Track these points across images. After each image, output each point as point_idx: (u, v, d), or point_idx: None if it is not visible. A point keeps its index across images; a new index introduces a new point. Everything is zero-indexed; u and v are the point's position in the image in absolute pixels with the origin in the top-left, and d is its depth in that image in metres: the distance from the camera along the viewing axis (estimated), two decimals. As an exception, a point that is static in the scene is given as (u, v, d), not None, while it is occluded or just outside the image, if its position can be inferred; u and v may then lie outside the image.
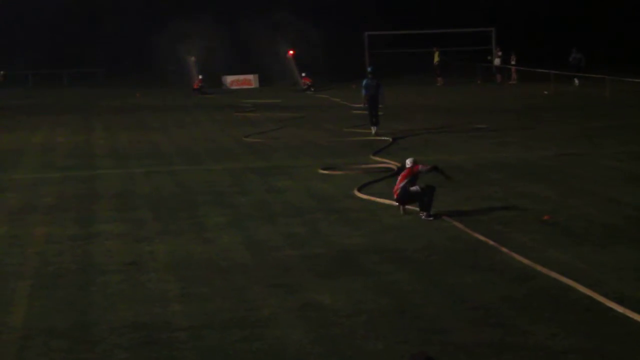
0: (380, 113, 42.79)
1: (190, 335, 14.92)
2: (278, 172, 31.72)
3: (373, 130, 41.87)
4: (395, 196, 23.75)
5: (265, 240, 21.59)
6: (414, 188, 23.13)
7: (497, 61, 76.43)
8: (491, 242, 20.31)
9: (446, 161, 32.09)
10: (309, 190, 28.20)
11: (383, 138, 39.83)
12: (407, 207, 23.59)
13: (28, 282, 18.26)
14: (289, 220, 23.70)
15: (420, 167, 23.58)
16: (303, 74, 73.17)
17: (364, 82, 42.61)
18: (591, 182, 27.94)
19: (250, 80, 77.66)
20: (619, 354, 13.31)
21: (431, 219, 22.90)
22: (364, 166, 31.80)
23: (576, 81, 65.77)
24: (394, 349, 13.88)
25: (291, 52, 78.97)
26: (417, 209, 23.41)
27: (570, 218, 22.94)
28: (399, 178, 23.92)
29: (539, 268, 18.02)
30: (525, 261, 18.57)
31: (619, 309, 15.23)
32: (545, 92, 60.66)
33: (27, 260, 20.00)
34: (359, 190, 27.08)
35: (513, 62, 75.53)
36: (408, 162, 24.07)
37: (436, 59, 76.59)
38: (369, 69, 44.51)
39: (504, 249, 19.61)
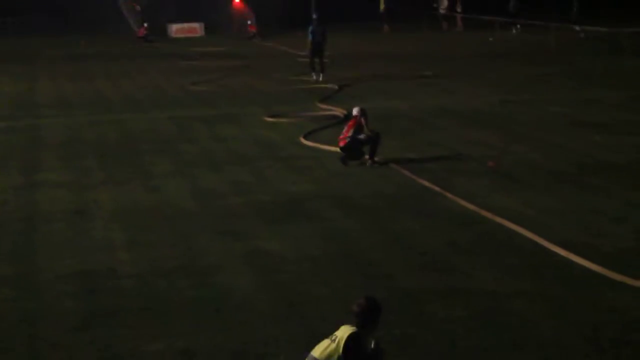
0: (325, 60, 42.71)
1: (136, 283, 14.94)
2: (224, 120, 31.52)
3: (314, 76, 41.79)
4: (340, 144, 23.73)
5: (211, 188, 21.55)
6: (362, 136, 23.10)
7: (443, 8, 76.13)
8: (437, 189, 20.36)
9: (393, 108, 32.20)
10: (255, 138, 28.09)
11: (329, 86, 39.64)
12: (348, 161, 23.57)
13: (-28, 231, 18.19)
14: (235, 168, 23.64)
15: (364, 122, 23.48)
16: (249, 22, 72.53)
17: (310, 28, 42.54)
18: (536, 128, 28.01)
19: (195, 29, 76.50)
20: (562, 297, 13.46)
21: (376, 165, 22.95)
22: (310, 114, 31.70)
23: (514, 29, 65.75)
24: (340, 295, 13.91)
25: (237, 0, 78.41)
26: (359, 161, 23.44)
27: (515, 164, 23.03)
28: (345, 127, 23.91)
29: (484, 213, 18.13)
30: (471, 207, 18.67)
31: (563, 252, 15.39)
32: (491, 39, 60.67)
33: (-30, 210, 19.89)
34: (305, 137, 27.02)
35: (459, 10, 75.35)
36: (355, 111, 24.05)
37: (382, 6, 76.22)
38: (314, 16, 44.29)
39: (450, 195, 19.68)
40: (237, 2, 76.75)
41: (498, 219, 17.63)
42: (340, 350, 9.24)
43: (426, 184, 20.93)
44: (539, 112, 31.15)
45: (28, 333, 13.03)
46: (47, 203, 20.58)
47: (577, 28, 59.93)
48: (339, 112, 30.62)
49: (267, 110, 32.76)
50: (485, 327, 12.47)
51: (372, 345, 9.53)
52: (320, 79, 41.40)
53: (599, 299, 13.37)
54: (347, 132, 23.40)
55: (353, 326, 9.48)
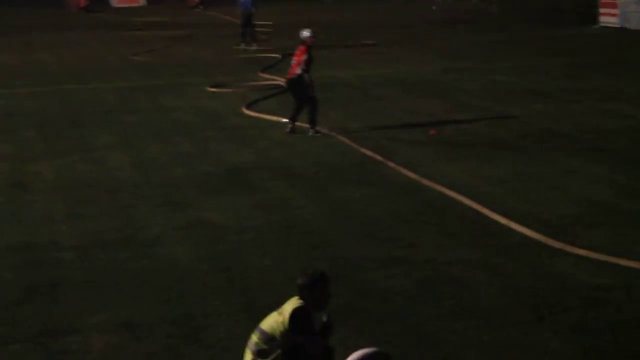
0: (256, 29, 42.98)
1: (78, 255, 14.86)
2: (166, 90, 31.49)
3: (243, 45, 42.08)
4: (288, 76, 23.94)
5: (153, 159, 21.51)
6: (307, 79, 23.09)
7: None
8: (378, 157, 20.42)
9: (336, 77, 32.23)
10: (198, 108, 28.08)
11: (272, 55, 39.55)
12: (297, 123, 23.59)
13: None
14: (177, 139, 23.59)
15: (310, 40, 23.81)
16: None
17: None
18: (479, 97, 28.20)
19: None
20: (502, 265, 13.55)
21: (319, 135, 22.97)
22: (252, 83, 31.68)
23: None
24: (282, 265, 13.98)
25: None
26: (307, 125, 23.47)
27: (458, 133, 23.17)
28: (294, 59, 23.85)
29: (426, 182, 18.21)
30: (412, 175, 18.73)
31: (503, 221, 15.51)
32: (434, 7, 60.88)
33: None
34: (248, 107, 27.01)
35: None
36: (305, 33, 24.01)
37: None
38: None
39: (391, 164, 19.75)
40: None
41: (439, 188, 17.71)
42: (286, 323, 9.19)
43: (368, 153, 21.00)
44: (482, 81, 31.34)
45: (-33, 306, 12.98)
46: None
47: None
48: (281, 81, 30.53)
49: (209, 80, 32.72)
50: (426, 295, 12.51)
51: (324, 319, 9.41)
52: (254, 47, 41.52)
53: (538, 266, 13.48)
54: (296, 65, 23.50)
55: (300, 299, 9.41)
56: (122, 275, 13.88)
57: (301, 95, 23.42)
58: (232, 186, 18.80)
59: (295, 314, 9.16)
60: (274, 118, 24.95)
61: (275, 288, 13.04)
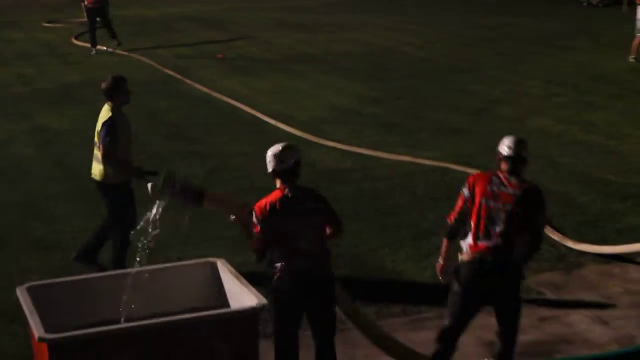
0: None
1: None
2: (11, 26, 30.22)
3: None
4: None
5: (5, 79, 20.88)
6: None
7: None
8: (178, 76, 20.43)
9: (144, 14, 31.67)
10: (37, 40, 27.27)
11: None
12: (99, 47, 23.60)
13: None
14: (20, 63, 22.95)
15: None
16: None
17: None
18: (253, 29, 28.27)
19: None
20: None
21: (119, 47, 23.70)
22: (79, 20, 30.73)
23: None
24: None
25: None
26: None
27: (238, 56, 23.30)
28: None
29: (215, 94, 18.34)
30: (204, 89, 18.83)
31: (272, 122, 15.82)
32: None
33: None
34: (76, 38, 26.40)
35: None
36: None
37: None
38: None
39: (188, 81, 19.79)
40: None
41: (225, 98, 17.88)
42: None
43: (170, 72, 20.96)
44: (256, 17, 31.33)
45: None
46: None
47: None
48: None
49: (45, 17, 31.58)
50: (217, 180, 12.65)
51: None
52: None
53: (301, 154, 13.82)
54: None
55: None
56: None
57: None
58: (65, 100, 18.52)
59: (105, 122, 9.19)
60: (98, 47, 24.46)
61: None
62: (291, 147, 7.01)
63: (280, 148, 6.89)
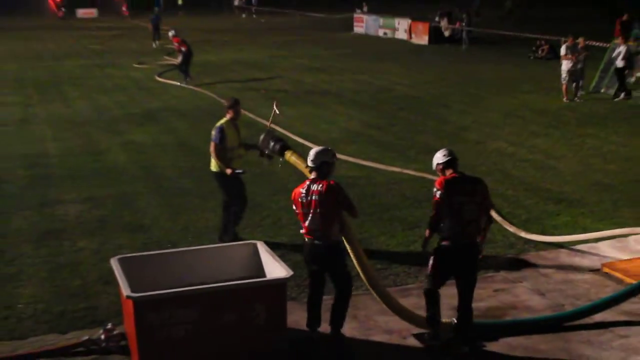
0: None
1: (59, 160, 14.58)
2: (110, 65, 30.35)
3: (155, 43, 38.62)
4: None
5: (103, 105, 20.96)
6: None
7: (236, 1, 72.39)
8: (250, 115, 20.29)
9: (207, 59, 31.67)
10: (128, 76, 27.32)
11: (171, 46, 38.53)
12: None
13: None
14: (116, 93, 23.00)
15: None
16: (123, 8, 67.86)
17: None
18: (287, 71, 28.16)
19: (92, 12, 68.49)
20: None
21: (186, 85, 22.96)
22: (160, 62, 30.81)
23: (243, 15, 64.07)
24: (176, 162, 13.93)
25: None
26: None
27: (278, 91, 23.20)
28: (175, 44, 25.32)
29: (258, 119, 17.99)
30: (250, 114, 18.42)
31: (300, 140, 15.46)
32: (262, 21, 59.90)
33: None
34: (159, 76, 26.43)
35: (253, 2, 69.97)
36: (170, 33, 26.47)
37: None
38: (156, 8, 41.28)
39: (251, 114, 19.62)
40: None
41: (264, 121, 17.73)
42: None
43: (224, 102, 20.79)
44: (290, 63, 31.26)
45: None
46: (3, 114, 19.65)
47: (299, 14, 59.18)
48: (175, 62, 29.73)
49: (135, 60, 31.69)
50: (258, 179, 12.53)
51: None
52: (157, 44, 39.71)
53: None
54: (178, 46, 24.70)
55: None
56: (86, 171, 13.69)
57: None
58: (149, 121, 18.50)
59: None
60: (175, 82, 24.55)
61: (176, 178, 13.11)
62: (323, 151, 7.19)
63: (317, 149, 7.16)
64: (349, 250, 7.27)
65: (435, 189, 6.88)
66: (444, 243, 6.90)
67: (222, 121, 9.51)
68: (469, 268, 6.97)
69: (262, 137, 9.15)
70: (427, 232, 7.08)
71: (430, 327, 7.12)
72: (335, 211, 6.89)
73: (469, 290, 7.00)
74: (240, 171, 9.34)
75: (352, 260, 7.28)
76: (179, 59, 25.09)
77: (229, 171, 9.31)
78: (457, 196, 6.80)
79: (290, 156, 8.57)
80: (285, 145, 8.84)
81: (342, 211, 6.98)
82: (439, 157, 7.06)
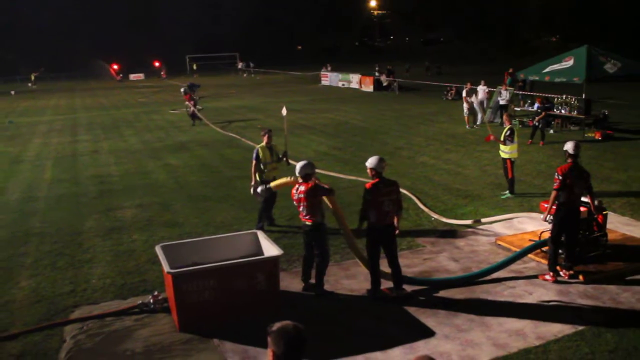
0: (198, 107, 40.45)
1: (120, 179, 14.29)
2: (153, 112, 29.95)
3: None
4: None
5: (148, 140, 20.55)
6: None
7: (241, 66, 70.94)
8: (237, 136, 20.03)
9: (221, 107, 31.31)
10: (166, 119, 26.97)
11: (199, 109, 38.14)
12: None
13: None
14: (158, 132, 22.54)
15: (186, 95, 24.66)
16: (162, 72, 66.49)
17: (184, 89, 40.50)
18: (275, 111, 27.83)
19: (140, 76, 67.05)
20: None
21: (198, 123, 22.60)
22: (192, 109, 30.44)
23: (248, 73, 63.03)
24: (202, 177, 13.65)
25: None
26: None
27: (267, 126, 22.93)
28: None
29: (256, 145, 17.96)
30: (250, 143, 18.27)
31: (284, 160, 15.47)
32: (258, 78, 59.19)
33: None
34: (192, 117, 25.90)
35: (252, 65, 66.30)
36: (181, 89, 26.02)
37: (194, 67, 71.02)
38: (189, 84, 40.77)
39: (242, 139, 19.31)
40: (158, 65, 71.21)
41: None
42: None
43: (233, 135, 20.45)
44: (277, 106, 30.46)
45: (75, 193, 12.35)
46: (81, 147, 19.28)
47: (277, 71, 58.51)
48: (192, 108, 29.28)
49: (171, 107, 31.34)
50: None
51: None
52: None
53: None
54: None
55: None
56: (137, 186, 13.44)
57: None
58: (180, 150, 18.19)
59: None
60: (206, 122, 24.29)
61: (200, 188, 12.93)
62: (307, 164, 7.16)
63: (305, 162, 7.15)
64: (339, 224, 7.40)
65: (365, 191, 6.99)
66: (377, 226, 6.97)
67: (260, 145, 9.42)
68: (390, 239, 7.03)
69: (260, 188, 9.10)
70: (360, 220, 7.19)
71: (374, 283, 7.17)
72: (316, 202, 6.99)
73: (394, 255, 7.09)
74: (259, 190, 9.15)
75: (338, 233, 7.24)
76: (190, 109, 24.94)
77: (252, 183, 9.31)
78: (380, 196, 6.87)
79: (274, 184, 8.43)
80: (268, 182, 8.92)
81: (322, 200, 7.09)
82: (373, 163, 7.04)
